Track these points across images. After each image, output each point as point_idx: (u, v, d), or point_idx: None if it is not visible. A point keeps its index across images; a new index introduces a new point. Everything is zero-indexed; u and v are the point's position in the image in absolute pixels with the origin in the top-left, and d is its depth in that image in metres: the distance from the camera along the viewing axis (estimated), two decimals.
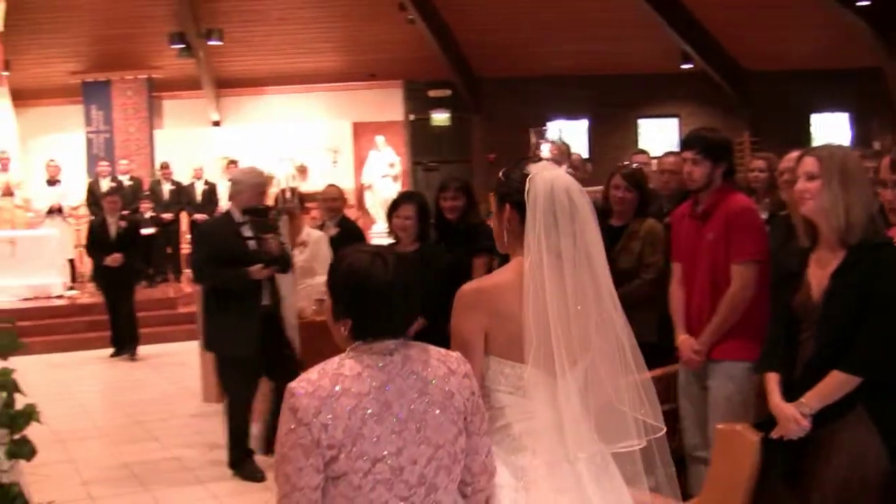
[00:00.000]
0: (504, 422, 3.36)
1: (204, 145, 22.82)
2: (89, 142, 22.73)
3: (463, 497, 3.11)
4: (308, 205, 12.04)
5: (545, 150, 5.05)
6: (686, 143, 5.86)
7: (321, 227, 10.24)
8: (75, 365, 13.82)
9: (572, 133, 22.59)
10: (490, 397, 3.35)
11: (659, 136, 23.86)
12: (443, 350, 3.14)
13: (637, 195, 7.18)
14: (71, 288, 17.93)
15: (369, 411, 2.87)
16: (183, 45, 22.04)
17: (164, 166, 20.55)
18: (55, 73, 22.81)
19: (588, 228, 3.36)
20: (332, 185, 10.77)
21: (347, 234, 9.85)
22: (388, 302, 2.98)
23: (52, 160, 19.41)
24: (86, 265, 19.76)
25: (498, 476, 3.21)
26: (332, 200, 10.40)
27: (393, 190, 21.32)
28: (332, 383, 2.88)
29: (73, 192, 19.37)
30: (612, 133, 23.51)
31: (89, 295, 17.47)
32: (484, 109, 23.55)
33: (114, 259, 13.75)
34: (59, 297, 17.21)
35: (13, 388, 2.08)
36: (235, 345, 7.88)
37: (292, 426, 2.84)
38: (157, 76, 23.21)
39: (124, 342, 14.16)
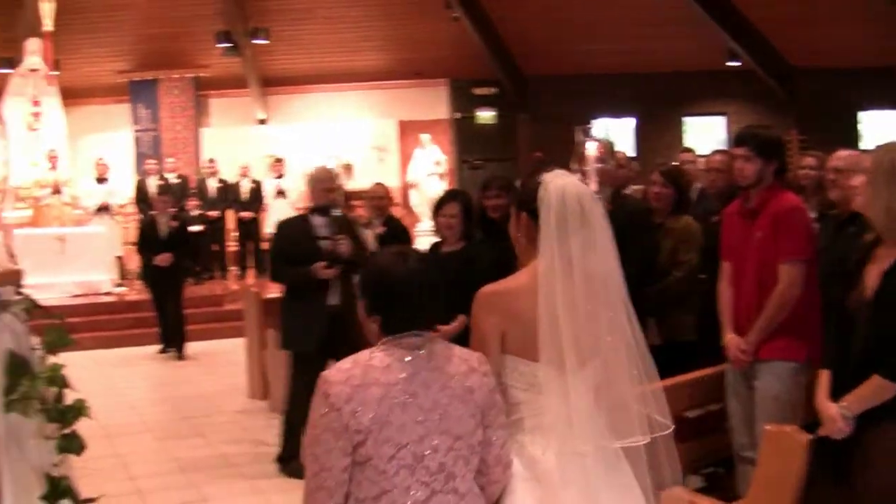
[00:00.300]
0: (518, 416, 3.53)
1: (250, 144, 22.92)
2: (136, 140, 22.90)
3: (479, 487, 3.30)
4: (354, 203, 12.05)
5: (590, 148, 5.02)
6: (738, 140, 5.82)
7: (367, 226, 10.24)
8: (123, 361, 13.92)
9: (618, 131, 22.53)
10: (506, 393, 3.52)
11: (705, 134, 23.72)
12: (465, 349, 3.38)
13: (674, 192, 7.18)
14: (119, 285, 18.06)
15: (396, 400, 3.10)
16: (229, 44, 22.15)
17: (210, 161, 20.64)
18: (103, 73, 23.00)
19: (599, 233, 3.54)
20: (378, 184, 10.77)
21: (393, 233, 9.85)
22: (411, 299, 3.22)
23: (100, 158, 19.55)
24: (133, 262, 19.93)
25: (514, 471, 3.42)
26: (378, 199, 10.39)
27: (439, 188, 21.30)
28: (363, 373, 3.11)
29: (121, 190, 19.51)
30: (659, 131, 23.36)
31: (137, 292, 17.60)
32: (530, 107, 23.47)
33: (163, 259, 13.71)
34: (108, 293, 17.33)
35: (63, 383, 2.09)
36: (298, 341, 8.02)
37: (325, 411, 3.08)
38: (204, 75, 23.33)
39: (172, 340, 14.15)
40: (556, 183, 3.56)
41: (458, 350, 3.34)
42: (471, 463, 3.24)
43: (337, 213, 8.20)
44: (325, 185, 8.26)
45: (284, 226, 8.43)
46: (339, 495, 3.10)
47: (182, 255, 14.27)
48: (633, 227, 6.37)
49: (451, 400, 3.18)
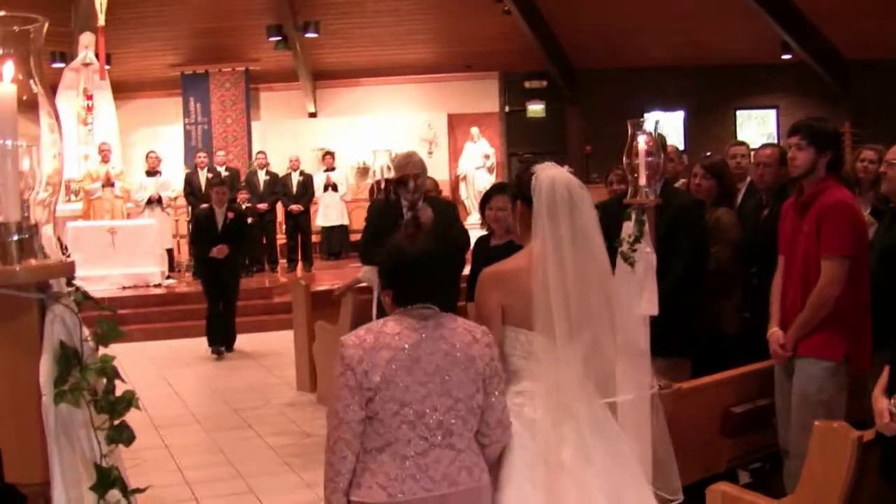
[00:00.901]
0: (517, 381, 3.98)
1: (300, 137, 23.03)
2: (187, 133, 23.07)
3: (482, 446, 3.71)
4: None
5: (641, 141, 4.97)
6: (792, 129, 5.76)
7: None
8: (172, 353, 14.00)
9: (669, 124, 22.37)
10: (507, 361, 3.98)
11: (758, 127, 23.52)
12: (471, 322, 3.79)
13: (715, 184, 7.15)
14: (169, 277, 18.19)
15: (402, 364, 3.51)
16: (280, 38, 22.27)
17: (260, 154, 20.71)
18: (155, 66, 23.18)
19: (586, 218, 4.00)
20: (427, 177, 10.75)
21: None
22: (419, 275, 3.64)
23: (152, 151, 19.68)
24: (183, 255, 20.06)
25: (511, 429, 3.83)
26: (427, 192, 10.38)
27: (488, 181, 21.30)
28: (375, 339, 3.54)
29: (172, 183, 19.63)
30: (710, 124, 23.20)
31: (186, 284, 17.73)
32: (580, 100, 23.41)
33: (220, 250, 13.26)
34: (157, 286, 17.47)
35: (113, 374, 2.09)
36: None
37: (341, 370, 3.51)
38: (255, 68, 23.46)
39: (222, 336, 13.78)
40: (547, 173, 4.03)
41: (463, 322, 3.71)
42: (469, 423, 3.62)
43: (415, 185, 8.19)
44: (399, 168, 8.25)
45: (373, 207, 8.47)
46: (356, 446, 3.51)
47: (238, 248, 13.99)
48: (683, 221, 6.33)
49: (452, 366, 3.57)
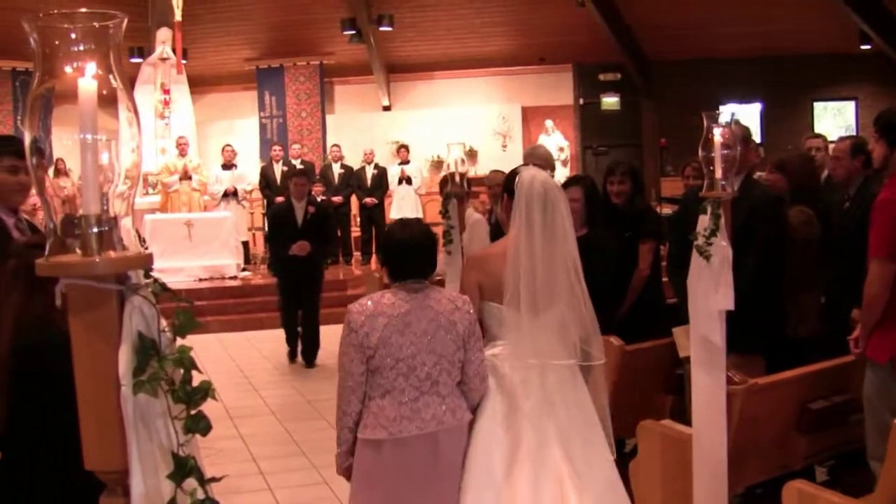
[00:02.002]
0: (492, 345, 4.82)
1: (374, 130, 23.13)
2: (262, 127, 23.25)
3: (463, 394, 4.61)
4: (476, 189, 12.03)
5: (717, 133, 4.91)
6: (873, 121, 5.67)
7: (490, 213, 10.22)
8: (247, 344, 14.13)
9: (745, 116, 22.11)
10: (486, 329, 4.83)
11: (834, 119, 23.20)
12: (455, 293, 4.76)
13: (784, 180, 7.07)
14: (244, 269, 18.34)
15: (396, 327, 4.40)
16: (354, 31, 22.36)
17: (335, 147, 20.81)
18: (231, 61, 23.41)
19: (558, 213, 4.74)
20: (496, 171, 10.69)
21: None
22: (405, 254, 4.55)
23: (228, 145, 19.84)
24: (259, 247, 20.22)
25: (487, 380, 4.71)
26: (496, 186, 10.33)
27: (562, 174, 21.22)
28: (374, 306, 4.44)
29: (248, 176, 19.80)
30: (786, 117, 22.91)
31: (262, 277, 17.86)
32: (655, 93, 23.24)
33: (301, 247, 12.09)
34: (233, 278, 17.62)
35: (190, 365, 2.12)
36: None
37: (347, 332, 4.42)
38: (329, 62, 23.59)
39: (302, 348, 12.74)
40: (528, 173, 4.83)
41: (447, 293, 4.68)
42: (452, 374, 4.53)
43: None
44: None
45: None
46: (360, 392, 4.46)
47: (321, 246, 12.69)
48: (759, 215, 6.23)
49: (437, 329, 4.46)
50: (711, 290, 4.95)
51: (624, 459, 6.27)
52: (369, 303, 4.47)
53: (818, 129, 21.58)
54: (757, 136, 20.47)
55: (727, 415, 5.04)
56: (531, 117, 23.70)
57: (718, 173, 4.95)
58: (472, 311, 4.61)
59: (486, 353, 4.73)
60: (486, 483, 4.59)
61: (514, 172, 4.94)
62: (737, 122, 5.97)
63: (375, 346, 4.37)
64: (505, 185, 5.09)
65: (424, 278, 4.61)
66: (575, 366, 4.78)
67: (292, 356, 12.85)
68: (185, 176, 18.74)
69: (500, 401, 4.70)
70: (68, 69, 2.04)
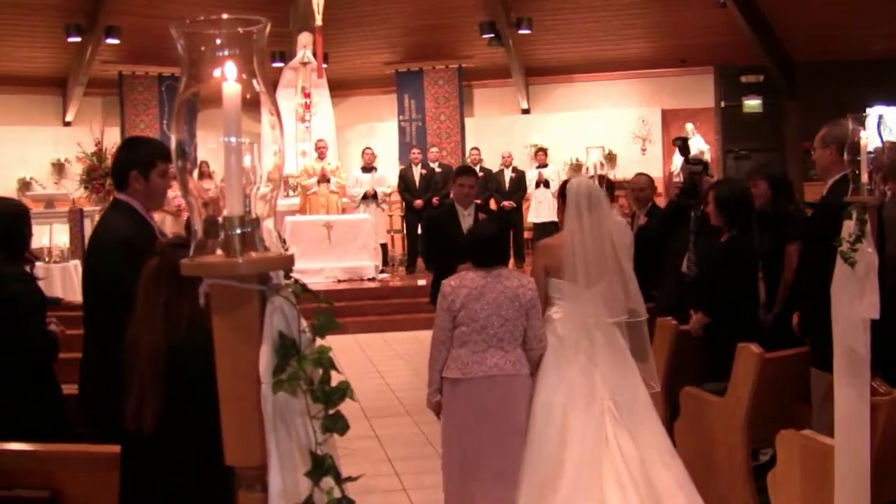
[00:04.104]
0: (555, 312, 6.28)
1: (513, 133, 23.12)
2: (402, 130, 23.43)
3: (526, 352, 6.09)
4: (617, 193, 11.93)
5: (863, 137, 4.79)
6: None
7: (632, 217, 10.15)
8: (385, 345, 14.25)
9: (894, 119, 21.51)
10: (550, 300, 6.30)
11: None
12: (524, 275, 6.37)
13: None
14: (382, 271, 18.51)
15: (472, 296, 5.99)
16: (493, 35, 22.39)
17: (474, 149, 20.85)
18: (370, 64, 23.65)
19: (602, 211, 6.22)
20: (640, 174, 10.59)
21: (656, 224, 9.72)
22: (481, 247, 6.21)
23: (368, 147, 20.06)
24: (397, 249, 20.38)
25: (548, 342, 6.14)
26: (640, 190, 10.23)
27: None
28: (459, 281, 6.09)
29: (388, 179, 19.96)
30: None
31: (400, 279, 18.02)
32: (799, 95, 22.70)
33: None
34: (371, 279, 17.82)
35: (329, 365, 2.15)
36: None
37: (441, 299, 6.08)
38: (468, 65, 23.66)
39: None
40: (576, 180, 6.47)
41: (517, 273, 6.31)
42: (515, 335, 6.04)
43: None
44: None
45: None
46: (448, 344, 6.07)
47: None
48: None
49: (505, 299, 6.00)
50: (856, 298, 4.82)
51: (757, 470, 6.18)
52: (457, 278, 6.13)
53: None
54: None
55: (871, 426, 4.91)
56: (671, 120, 23.44)
57: (864, 177, 4.83)
58: (534, 289, 6.10)
59: (549, 313, 6.25)
60: (547, 420, 5.98)
61: (566, 182, 6.59)
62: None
63: (458, 309, 5.99)
64: (560, 192, 6.83)
65: (498, 264, 6.17)
66: (614, 326, 6.15)
67: None
68: (324, 179, 18.98)
69: (559, 356, 6.12)
70: (214, 74, 2.08)
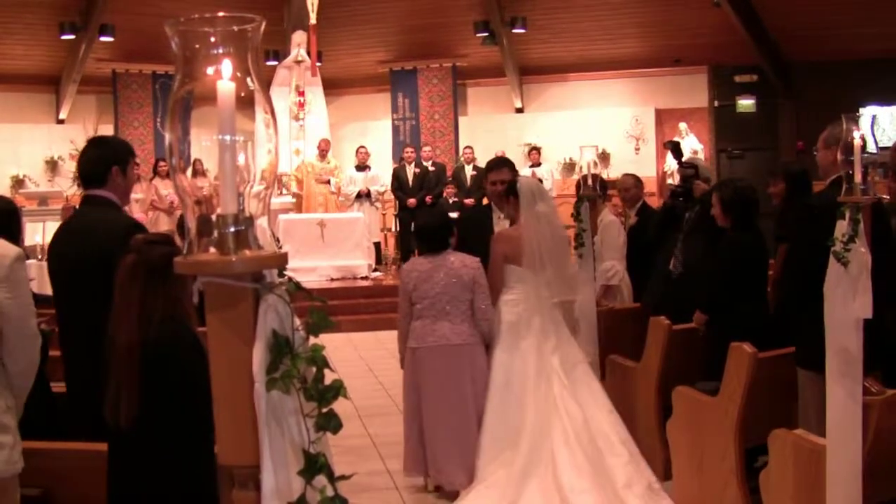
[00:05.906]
0: (512, 293, 7.22)
1: (507, 132, 23.12)
2: (395, 128, 23.42)
3: (475, 324, 7.13)
4: (609, 192, 11.97)
5: (857, 136, 4.79)
6: None
7: (624, 216, 10.19)
8: (378, 344, 14.23)
9: (887, 119, 21.55)
10: (508, 284, 7.22)
11: None
12: (468, 256, 7.19)
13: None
14: (375, 270, 18.51)
15: (422, 278, 7.10)
16: (487, 34, 22.40)
17: (467, 148, 20.85)
18: (364, 63, 23.64)
19: (547, 205, 7.34)
20: (626, 175, 10.69)
21: (645, 223, 9.73)
22: (426, 235, 7.35)
23: (362, 146, 20.08)
24: (390, 248, 20.38)
25: (505, 320, 7.15)
26: (626, 190, 10.33)
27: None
28: (411, 266, 7.36)
29: (381, 178, 19.97)
30: None
31: (393, 277, 18.00)
32: (792, 95, 22.71)
33: None
34: (365, 278, 17.81)
35: (323, 364, 2.15)
36: None
37: (400, 283, 7.31)
38: (462, 64, 23.66)
39: None
40: (524, 179, 7.78)
41: (460, 256, 7.19)
42: (461, 308, 7.10)
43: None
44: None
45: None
46: (408, 318, 7.23)
47: None
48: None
49: (450, 278, 7.07)
50: (849, 297, 4.82)
51: (753, 473, 6.17)
52: (409, 265, 7.45)
53: None
54: None
55: (863, 426, 4.91)
56: (665, 120, 23.44)
57: (858, 177, 4.84)
58: (476, 268, 7.11)
59: (503, 297, 7.22)
60: (507, 389, 6.93)
61: (514, 182, 7.47)
62: None
63: (412, 289, 7.16)
64: (508, 190, 7.44)
65: (441, 250, 7.18)
66: (556, 305, 7.19)
67: None
68: (318, 177, 18.99)
69: (514, 333, 7.09)
70: (208, 72, 2.08)
